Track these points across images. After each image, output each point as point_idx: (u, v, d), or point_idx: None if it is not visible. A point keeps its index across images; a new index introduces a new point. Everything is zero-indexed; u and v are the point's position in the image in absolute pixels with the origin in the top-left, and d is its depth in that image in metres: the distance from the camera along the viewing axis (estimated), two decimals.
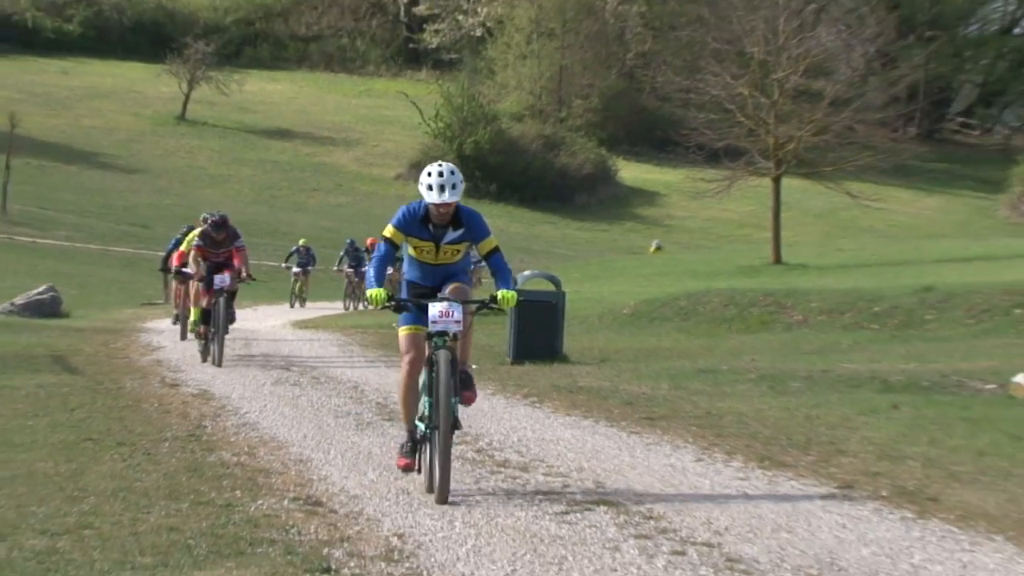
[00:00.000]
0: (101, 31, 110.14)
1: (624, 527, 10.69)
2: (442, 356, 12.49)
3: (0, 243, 61.43)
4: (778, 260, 62.91)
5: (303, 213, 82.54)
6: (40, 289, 42.10)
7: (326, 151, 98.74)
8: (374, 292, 12.63)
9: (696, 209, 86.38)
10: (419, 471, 12.69)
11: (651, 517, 11.06)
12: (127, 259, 63.06)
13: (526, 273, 32.65)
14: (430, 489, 12.27)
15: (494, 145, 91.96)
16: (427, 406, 12.59)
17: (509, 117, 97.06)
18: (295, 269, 49.12)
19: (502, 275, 12.86)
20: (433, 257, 12.98)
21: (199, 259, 25.82)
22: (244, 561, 9.52)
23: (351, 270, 48.51)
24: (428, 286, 13.08)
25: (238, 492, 12.09)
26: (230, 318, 25.53)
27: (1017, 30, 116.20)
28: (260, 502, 11.67)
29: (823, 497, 11.78)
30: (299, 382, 21.92)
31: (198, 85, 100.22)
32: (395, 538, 10.35)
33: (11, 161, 73.42)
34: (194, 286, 27.04)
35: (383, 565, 9.49)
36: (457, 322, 12.64)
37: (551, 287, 28.65)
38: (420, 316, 12.78)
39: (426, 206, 12.64)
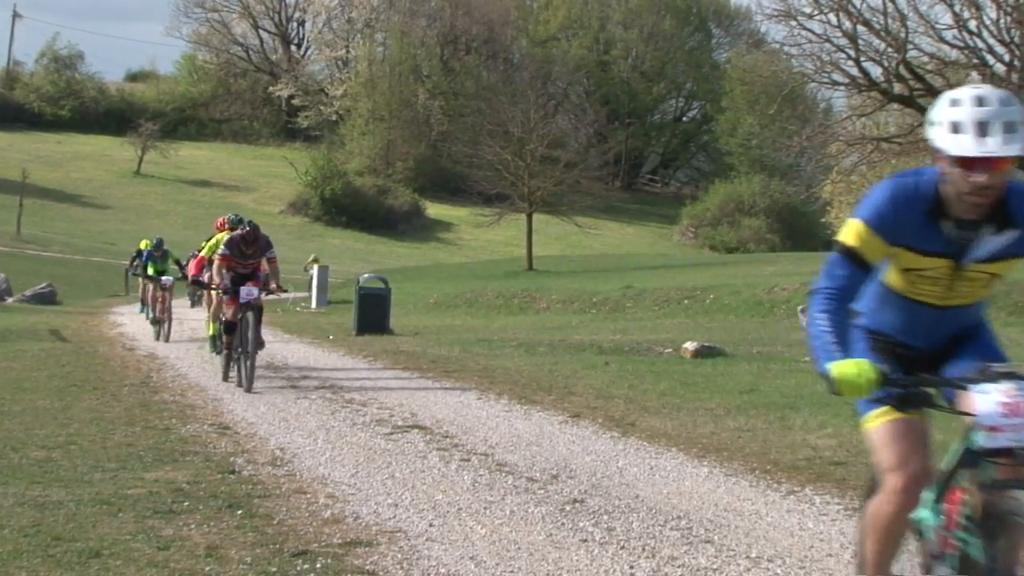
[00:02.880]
0: (83, 115, 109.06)
1: (430, 443, 10.67)
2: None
3: (16, 255, 62.01)
4: (530, 267, 63.28)
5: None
6: (42, 285, 41.88)
7: (233, 195, 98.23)
8: (849, 370, 4.25)
9: (478, 234, 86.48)
10: None
11: (447, 436, 11.04)
12: (100, 265, 62.81)
13: (365, 275, 32.50)
14: None
15: (344, 191, 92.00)
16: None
17: (354, 173, 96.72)
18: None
19: None
20: (944, 291, 4.71)
21: (223, 269, 16.27)
22: (177, 466, 9.39)
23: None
24: (919, 347, 4.91)
25: (174, 420, 11.96)
26: (259, 342, 15.27)
27: (685, 119, 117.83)
28: (188, 427, 11.53)
29: (560, 423, 11.83)
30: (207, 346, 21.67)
31: (148, 151, 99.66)
32: (278, 451, 10.25)
33: (23, 200, 76.53)
34: (215, 298, 17.95)
35: (270, 468, 9.40)
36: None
37: (382, 284, 28.53)
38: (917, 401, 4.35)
39: (938, 182, 4.42)
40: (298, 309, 39.13)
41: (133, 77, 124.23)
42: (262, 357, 16.50)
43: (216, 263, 16.54)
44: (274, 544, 6.94)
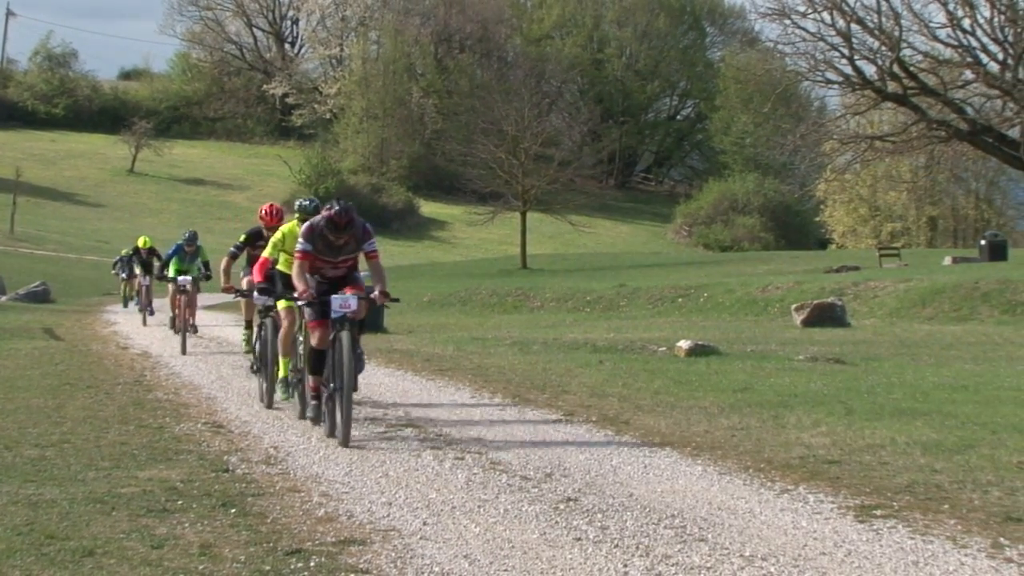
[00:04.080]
0: (77, 113, 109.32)
1: (424, 441, 10.66)
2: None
3: (9, 253, 62.06)
4: (524, 266, 63.31)
5: (211, 234, 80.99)
6: (36, 284, 42.00)
7: (227, 193, 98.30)
8: None
9: (471, 232, 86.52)
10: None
11: (441, 435, 11.03)
12: (94, 264, 62.86)
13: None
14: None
15: (338, 190, 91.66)
16: None
17: (348, 171, 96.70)
18: (123, 275, 37.33)
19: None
20: None
21: (304, 272, 11.13)
22: (171, 464, 9.37)
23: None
24: None
25: (167, 418, 11.94)
26: (359, 364, 11.25)
27: (679, 117, 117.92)
28: (182, 425, 11.52)
29: (554, 421, 11.83)
30: (208, 346, 21.64)
31: (142, 149, 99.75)
32: (272, 449, 10.25)
33: (17, 199, 76.57)
34: (287, 317, 12.81)
35: (264, 467, 9.39)
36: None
37: None
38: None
39: None
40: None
41: (127, 75, 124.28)
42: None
43: (296, 265, 11.16)
44: (268, 543, 6.94)
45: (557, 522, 7.50)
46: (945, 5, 46.42)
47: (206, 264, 22.73)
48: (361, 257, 11.70)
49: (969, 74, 48.41)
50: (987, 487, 8.30)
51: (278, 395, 13.02)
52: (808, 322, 26.49)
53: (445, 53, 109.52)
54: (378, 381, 15.72)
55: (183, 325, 20.48)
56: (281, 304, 12.88)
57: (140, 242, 31.79)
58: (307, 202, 13.36)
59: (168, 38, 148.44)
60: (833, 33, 47.34)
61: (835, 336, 23.46)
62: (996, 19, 46.23)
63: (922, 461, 9.24)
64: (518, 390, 14.39)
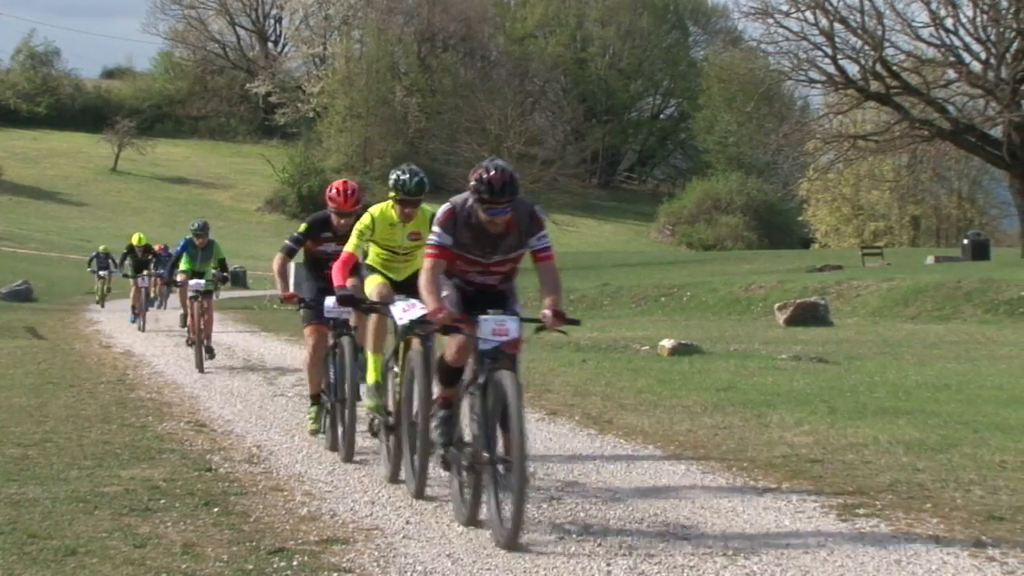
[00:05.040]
0: (59, 111, 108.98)
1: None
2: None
3: None
4: None
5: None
6: (18, 282, 41.73)
7: (210, 192, 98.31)
8: None
9: None
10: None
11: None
12: (76, 263, 62.48)
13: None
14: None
15: (321, 189, 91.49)
16: None
17: (332, 170, 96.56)
18: (100, 273, 35.28)
19: None
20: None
21: (437, 280, 7.40)
22: (154, 464, 9.35)
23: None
24: None
25: (150, 417, 11.92)
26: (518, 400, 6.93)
27: (662, 116, 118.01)
28: (165, 424, 11.50)
29: (537, 420, 11.81)
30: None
31: (124, 148, 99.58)
32: (255, 448, 10.23)
33: None
34: (373, 325, 9.52)
35: (247, 466, 9.37)
36: None
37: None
38: None
39: None
40: (275, 306, 39.03)
41: (110, 74, 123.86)
42: (237, 356, 16.38)
43: (428, 267, 7.48)
44: (251, 542, 6.93)
45: (540, 521, 7.50)
46: (928, 4, 46.61)
47: (222, 263, 19.00)
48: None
49: (952, 73, 48.61)
50: (969, 486, 8.33)
51: (367, 401, 9.50)
52: (791, 321, 26.55)
53: (428, 52, 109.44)
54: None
55: (198, 335, 17.11)
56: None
57: (134, 239, 28.86)
58: (405, 175, 9.37)
59: (151, 37, 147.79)
60: (816, 32, 47.51)
61: (818, 335, 23.51)
62: (979, 18, 46.42)
63: (904, 460, 9.26)
64: None
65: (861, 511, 7.69)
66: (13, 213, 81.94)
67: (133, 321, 27.01)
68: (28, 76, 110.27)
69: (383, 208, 9.59)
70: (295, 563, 6.48)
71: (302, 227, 11.26)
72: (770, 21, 48.02)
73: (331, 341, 10.10)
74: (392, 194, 9.43)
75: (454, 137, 72.91)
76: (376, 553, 6.74)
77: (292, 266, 11.69)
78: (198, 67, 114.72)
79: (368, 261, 9.77)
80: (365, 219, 9.68)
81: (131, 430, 11.06)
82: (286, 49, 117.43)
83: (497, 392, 7.18)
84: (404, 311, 8.63)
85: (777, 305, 28.18)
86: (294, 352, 20.34)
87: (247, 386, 14.88)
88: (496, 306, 7.60)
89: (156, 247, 31.83)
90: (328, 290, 9.94)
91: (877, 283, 32.36)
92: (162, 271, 26.63)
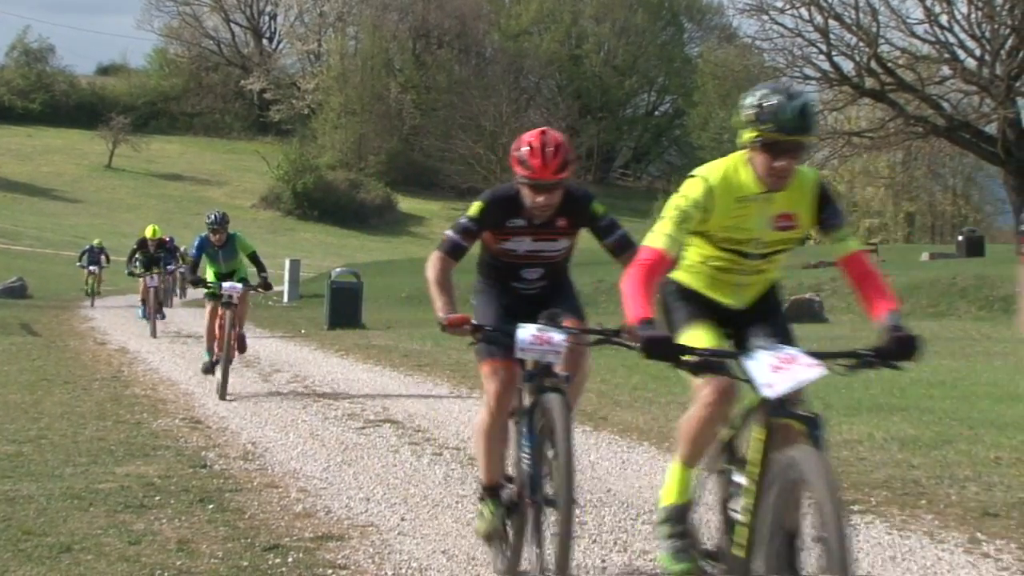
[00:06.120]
0: (54, 108, 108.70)
1: (402, 437, 10.66)
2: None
3: None
4: None
5: (189, 229, 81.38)
6: (13, 279, 41.82)
7: (204, 189, 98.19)
8: None
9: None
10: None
11: (419, 430, 11.03)
12: (70, 260, 62.52)
13: (337, 269, 32.45)
14: None
15: (316, 185, 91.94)
16: None
17: (326, 167, 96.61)
18: (90, 268, 34.65)
19: None
20: None
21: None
22: (149, 460, 9.36)
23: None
24: None
25: (145, 414, 11.92)
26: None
27: (657, 113, 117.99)
28: (160, 421, 11.51)
29: None
30: (187, 342, 21.59)
31: (119, 145, 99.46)
32: (250, 445, 10.23)
33: None
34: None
35: (242, 463, 9.38)
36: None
37: (354, 278, 28.50)
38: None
39: None
40: (270, 303, 39.04)
41: (104, 71, 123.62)
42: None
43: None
44: (245, 538, 6.93)
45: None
46: (923, 1, 46.60)
47: (254, 258, 14.93)
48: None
49: (947, 70, 48.61)
50: (964, 482, 8.33)
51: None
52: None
53: (423, 49, 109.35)
54: (356, 377, 15.71)
55: (226, 352, 13.89)
56: None
57: (148, 232, 25.62)
58: (781, 97, 4.97)
59: (146, 33, 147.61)
60: (811, 29, 47.51)
61: (812, 331, 23.51)
62: (973, 15, 46.43)
63: (899, 456, 9.27)
64: None
65: (856, 507, 7.69)
66: (7, 210, 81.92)
67: (143, 316, 24.66)
68: (22, 73, 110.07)
69: (728, 167, 5.27)
70: (290, 560, 6.48)
71: (474, 208, 6.69)
72: (765, 18, 48.04)
73: (524, 397, 6.25)
74: (751, 134, 5.05)
75: (449, 134, 72.95)
76: (371, 550, 6.74)
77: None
78: (193, 64, 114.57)
79: (679, 273, 5.76)
80: (694, 187, 5.28)
81: (126, 427, 11.06)
82: (281, 46, 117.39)
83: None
84: (774, 370, 4.87)
85: None
86: (289, 349, 20.34)
87: (242, 383, 14.87)
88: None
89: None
90: (521, 314, 6.37)
91: None
92: (172, 267, 26.23)
